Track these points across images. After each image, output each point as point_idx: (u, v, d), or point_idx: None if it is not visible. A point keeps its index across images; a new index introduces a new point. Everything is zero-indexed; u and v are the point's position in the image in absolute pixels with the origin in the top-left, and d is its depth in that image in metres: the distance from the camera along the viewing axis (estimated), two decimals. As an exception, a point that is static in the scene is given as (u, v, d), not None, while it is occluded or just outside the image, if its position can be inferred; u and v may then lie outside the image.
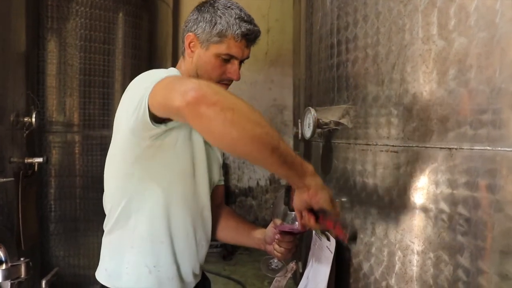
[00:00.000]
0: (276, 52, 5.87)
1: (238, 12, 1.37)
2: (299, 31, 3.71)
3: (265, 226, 1.61)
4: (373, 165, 1.05)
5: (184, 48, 1.44)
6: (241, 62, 1.41)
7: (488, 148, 0.82)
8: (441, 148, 0.90)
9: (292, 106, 5.25)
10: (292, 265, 1.53)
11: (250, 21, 1.38)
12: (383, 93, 1.02)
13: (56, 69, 3.25)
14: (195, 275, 1.49)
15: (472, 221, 0.85)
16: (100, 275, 1.49)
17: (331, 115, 1.18)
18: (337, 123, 1.17)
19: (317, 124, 1.18)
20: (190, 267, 1.46)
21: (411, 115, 0.96)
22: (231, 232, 1.65)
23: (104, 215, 1.52)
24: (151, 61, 3.62)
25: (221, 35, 1.35)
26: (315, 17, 1.37)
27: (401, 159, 0.98)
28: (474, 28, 0.85)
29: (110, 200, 1.46)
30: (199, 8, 1.42)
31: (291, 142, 5.65)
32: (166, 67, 1.59)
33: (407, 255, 0.97)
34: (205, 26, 1.37)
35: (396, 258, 0.99)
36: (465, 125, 0.86)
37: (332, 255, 1.15)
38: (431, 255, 0.92)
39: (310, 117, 1.19)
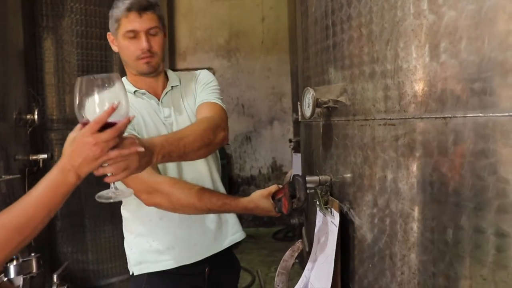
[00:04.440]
0: (272, 40, 5.88)
1: None
2: (294, 18, 3.72)
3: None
4: (372, 139, 1.09)
5: None
6: (150, 33, 1.64)
7: (480, 114, 0.86)
8: (436, 118, 0.94)
9: (290, 93, 5.26)
10: (298, 244, 1.57)
11: None
12: (379, 68, 1.06)
13: (53, 67, 3.27)
14: (207, 231, 1.73)
15: (468, 185, 0.89)
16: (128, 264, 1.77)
17: (330, 94, 1.22)
18: (336, 101, 1.20)
19: (316, 103, 1.22)
20: (192, 230, 1.68)
21: (406, 88, 1.00)
22: None
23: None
24: (148, 55, 3.65)
25: (117, 20, 1.64)
26: (309, 0, 1.41)
27: (399, 131, 1.01)
28: (462, 1, 0.89)
29: None
30: None
31: (291, 129, 5.68)
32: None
33: (409, 222, 1.01)
34: (110, 22, 1.70)
35: (398, 226, 1.03)
36: (457, 94, 0.90)
37: (337, 228, 1.19)
38: (431, 220, 0.96)
39: (309, 97, 1.23)
